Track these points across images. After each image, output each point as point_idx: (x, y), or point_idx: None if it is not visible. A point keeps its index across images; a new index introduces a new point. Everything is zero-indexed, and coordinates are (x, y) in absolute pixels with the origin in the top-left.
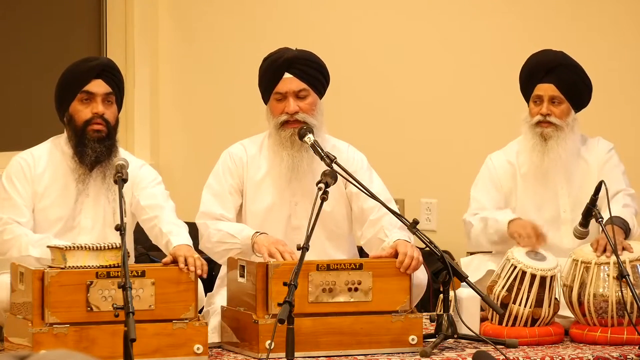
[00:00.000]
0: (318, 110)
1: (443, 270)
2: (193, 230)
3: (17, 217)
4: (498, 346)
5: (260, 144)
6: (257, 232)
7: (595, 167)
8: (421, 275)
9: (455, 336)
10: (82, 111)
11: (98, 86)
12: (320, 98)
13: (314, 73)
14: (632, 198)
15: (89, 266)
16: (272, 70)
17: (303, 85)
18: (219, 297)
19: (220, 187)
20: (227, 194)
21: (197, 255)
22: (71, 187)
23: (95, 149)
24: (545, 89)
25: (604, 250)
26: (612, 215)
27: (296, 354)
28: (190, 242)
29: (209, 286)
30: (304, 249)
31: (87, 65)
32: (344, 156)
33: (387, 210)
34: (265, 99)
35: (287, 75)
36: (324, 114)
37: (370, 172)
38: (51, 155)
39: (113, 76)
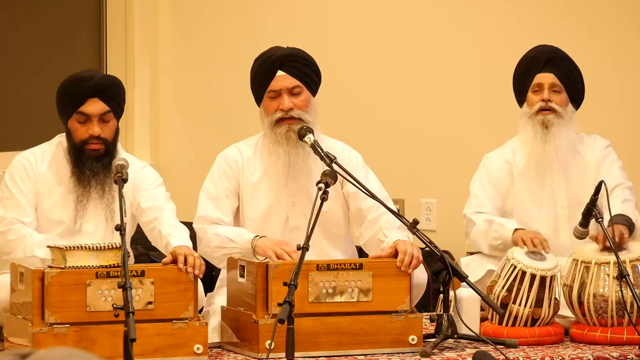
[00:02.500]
0: (312, 108)
1: (443, 270)
2: (193, 232)
3: (21, 217)
4: (498, 346)
5: (255, 146)
6: (256, 235)
7: (592, 163)
8: (421, 275)
9: (455, 336)
10: (79, 130)
11: (94, 106)
12: (314, 96)
13: (306, 70)
14: (631, 191)
15: (89, 266)
16: (264, 69)
17: (296, 82)
18: (219, 297)
19: (217, 191)
20: (224, 197)
21: (197, 254)
22: (73, 191)
23: (92, 169)
24: (545, 77)
25: (607, 246)
26: (614, 212)
27: (296, 354)
28: (189, 244)
29: (209, 286)
30: (304, 248)
31: (83, 86)
32: (339, 155)
33: (385, 210)
34: (259, 99)
35: (280, 73)
36: (318, 112)
37: (366, 170)
38: (55, 156)
39: (108, 92)
